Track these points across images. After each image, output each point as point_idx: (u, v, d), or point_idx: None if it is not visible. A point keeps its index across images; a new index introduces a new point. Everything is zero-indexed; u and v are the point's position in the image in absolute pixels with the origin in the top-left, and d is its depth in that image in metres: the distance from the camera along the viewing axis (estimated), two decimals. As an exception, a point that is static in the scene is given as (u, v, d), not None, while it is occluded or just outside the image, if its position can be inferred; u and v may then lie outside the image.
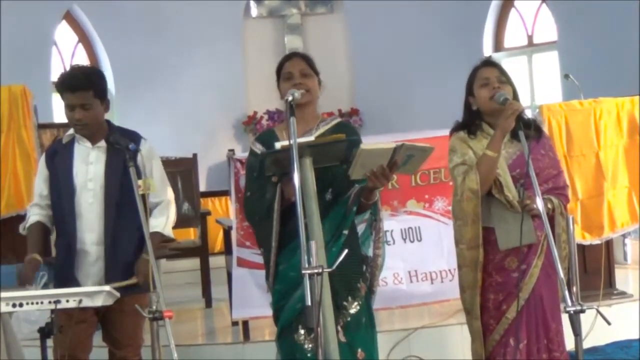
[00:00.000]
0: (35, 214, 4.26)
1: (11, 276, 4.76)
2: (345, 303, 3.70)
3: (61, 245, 4.20)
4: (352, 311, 3.72)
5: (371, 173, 3.56)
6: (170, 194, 4.29)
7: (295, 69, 3.84)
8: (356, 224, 3.84)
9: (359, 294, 3.75)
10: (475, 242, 3.94)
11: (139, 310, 3.56)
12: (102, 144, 4.19)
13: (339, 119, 4.06)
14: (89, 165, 4.17)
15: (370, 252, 3.89)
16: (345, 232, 3.72)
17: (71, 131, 4.25)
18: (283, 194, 3.70)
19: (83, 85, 4.08)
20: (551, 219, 3.91)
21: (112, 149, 4.12)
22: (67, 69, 4.25)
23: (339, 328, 3.62)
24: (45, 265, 4.16)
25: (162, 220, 4.19)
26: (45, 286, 4.00)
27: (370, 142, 3.70)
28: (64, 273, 4.14)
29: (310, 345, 3.66)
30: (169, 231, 4.23)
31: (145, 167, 4.12)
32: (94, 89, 4.10)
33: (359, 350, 3.71)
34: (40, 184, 4.29)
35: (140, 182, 3.75)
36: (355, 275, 3.76)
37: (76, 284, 4.06)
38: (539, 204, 3.55)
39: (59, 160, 4.22)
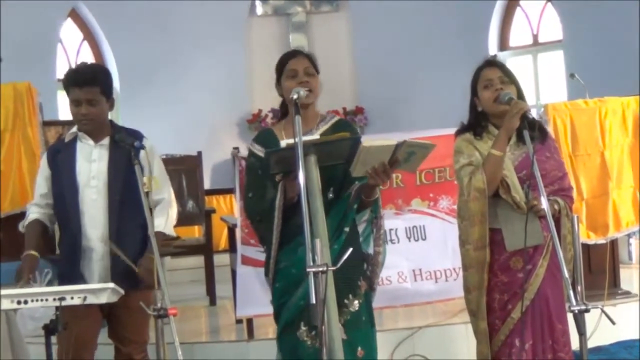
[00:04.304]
0: (34, 212, 4.25)
1: (14, 273, 4.76)
2: (346, 301, 3.69)
3: (66, 243, 4.20)
4: (353, 309, 3.71)
5: (372, 170, 3.56)
6: (171, 192, 4.29)
7: (300, 67, 3.81)
8: (357, 223, 3.84)
9: (359, 292, 3.74)
10: (482, 242, 3.94)
11: (144, 308, 3.57)
12: (105, 141, 4.19)
13: (337, 117, 4.04)
14: (92, 162, 4.17)
15: (370, 250, 3.88)
16: (346, 229, 3.71)
17: (74, 129, 4.25)
18: (286, 192, 3.69)
19: (91, 80, 4.10)
20: (557, 221, 3.91)
21: (115, 146, 4.13)
22: (73, 66, 4.25)
23: (340, 326, 3.61)
24: (49, 263, 4.16)
25: (163, 220, 4.19)
26: (49, 283, 4.01)
27: (372, 139, 3.69)
28: (70, 270, 4.13)
29: (312, 343, 3.67)
30: (170, 230, 4.23)
31: (147, 165, 4.12)
32: (101, 86, 4.12)
33: (359, 348, 3.70)
34: (41, 182, 4.28)
35: (145, 179, 3.75)
36: (356, 273, 3.75)
37: (82, 280, 4.07)
38: (544, 204, 3.55)
39: (62, 158, 4.22)
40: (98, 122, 4.16)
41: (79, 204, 4.13)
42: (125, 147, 4.05)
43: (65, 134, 4.36)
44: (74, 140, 4.24)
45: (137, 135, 4.19)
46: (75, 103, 4.12)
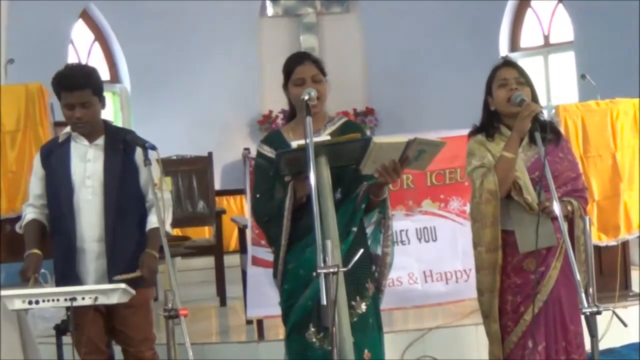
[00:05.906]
0: (31, 212, 4.23)
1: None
2: (353, 303, 3.67)
3: (60, 243, 4.16)
4: (360, 311, 3.70)
5: (382, 167, 3.55)
6: (167, 193, 4.28)
7: (307, 75, 3.80)
8: (366, 225, 3.83)
9: (367, 294, 3.73)
10: (494, 244, 3.93)
11: (147, 305, 3.55)
12: (100, 141, 4.17)
13: (345, 118, 4.04)
14: (87, 163, 4.15)
15: (379, 251, 3.87)
16: (354, 229, 3.70)
17: (67, 129, 4.23)
18: (295, 193, 3.69)
19: (82, 84, 4.06)
20: (571, 222, 3.91)
21: (110, 146, 4.13)
22: (62, 68, 4.18)
23: (348, 327, 3.60)
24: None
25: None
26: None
27: (383, 138, 3.69)
28: (65, 270, 4.12)
29: (320, 344, 3.66)
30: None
31: (141, 167, 4.11)
32: (92, 87, 4.09)
33: (366, 350, 3.68)
34: (35, 183, 4.26)
35: (156, 179, 3.75)
36: (364, 274, 3.74)
37: (78, 281, 4.06)
38: (556, 206, 3.54)
39: (55, 158, 4.20)
40: (93, 124, 4.15)
41: (74, 204, 4.11)
42: (120, 147, 4.07)
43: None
44: (68, 140, 4.22)
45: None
46: (68, 107, 4.09)
